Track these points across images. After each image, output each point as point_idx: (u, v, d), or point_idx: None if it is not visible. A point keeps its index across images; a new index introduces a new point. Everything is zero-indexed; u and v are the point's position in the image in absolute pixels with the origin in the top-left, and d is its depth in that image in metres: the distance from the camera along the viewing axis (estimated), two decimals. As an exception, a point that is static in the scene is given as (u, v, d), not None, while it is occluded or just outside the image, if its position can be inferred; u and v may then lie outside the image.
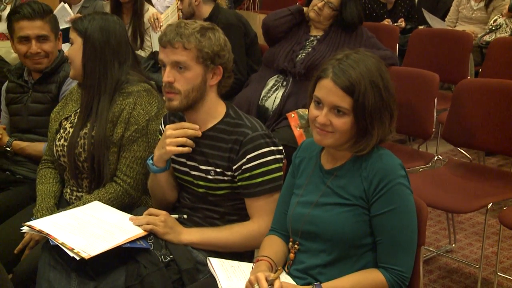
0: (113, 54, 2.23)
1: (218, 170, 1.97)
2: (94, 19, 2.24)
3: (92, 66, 2.21)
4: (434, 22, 5.07)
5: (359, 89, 1.62)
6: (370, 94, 1.63)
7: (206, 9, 3.68)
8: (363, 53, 1.70)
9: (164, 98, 1.99)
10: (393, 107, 1.68)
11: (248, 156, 1.93)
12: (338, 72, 1.64)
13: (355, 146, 1.69)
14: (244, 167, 1.93)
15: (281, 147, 2.00)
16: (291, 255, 1.81)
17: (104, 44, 2.21)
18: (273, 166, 1.95)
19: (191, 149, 1.99)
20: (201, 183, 2.01)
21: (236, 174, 1.96)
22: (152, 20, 4.13)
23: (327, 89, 1.66)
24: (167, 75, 1.92)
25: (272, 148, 1.95)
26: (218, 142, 1.97)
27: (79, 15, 3.91)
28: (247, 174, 1.94)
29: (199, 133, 1.99)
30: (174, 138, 1.97)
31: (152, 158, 2.05)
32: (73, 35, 2.25)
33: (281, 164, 1.98)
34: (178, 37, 1.89)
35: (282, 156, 2.00)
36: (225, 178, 1.98)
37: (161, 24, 4.07)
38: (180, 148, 1.98)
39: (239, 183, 1.97)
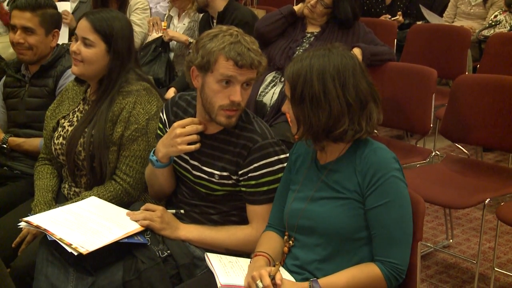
0: (130, 59, 2.27)
1: (224, 173, 1.95)
2: (114, 21, 2.22)
3: (116, 71, 2.23)
4: (432, 18, 5.06)
5: (293, 78, 1.68)
6: (302, 83, 1.66)
7: (220, 3, 3.64)
8: (334, 50, 1.70)
9: (222, 115, 1.89)
10: (337, 96, 1.65)
11: (255, 165, 1.91)
12: (288, 66, 1.72)
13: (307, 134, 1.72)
14: (250, 174, 1.92)
15: (288, 154, 1.95)
16: (285, 249, 1.81)
17: (127, 53, 2.25)
18: (280, 175, 1.92)
19: (200, 145, 1.97)
20: (203, 183, 2.00)
21: (241, 179, 1.94)
22: (151, 24, 4.11)
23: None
24: (240, 94, 1.87)
25: (280, 156, 1.93)
26: (227, 145, 1.95)
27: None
28: (253, 182, 1.93)
29: (203, 127, 1.97)
30: (184, 136, 1.94)
31: (154, 153, 2.02)
32: (93, 36, 2.19)
33: None
34: (257, 58, 1.86)
35: None
36: (230, 182, 1.97)
37: (163, 28, 4.04)
38: (193, 146, 1.95)
39: (243, 189, 1.96)
